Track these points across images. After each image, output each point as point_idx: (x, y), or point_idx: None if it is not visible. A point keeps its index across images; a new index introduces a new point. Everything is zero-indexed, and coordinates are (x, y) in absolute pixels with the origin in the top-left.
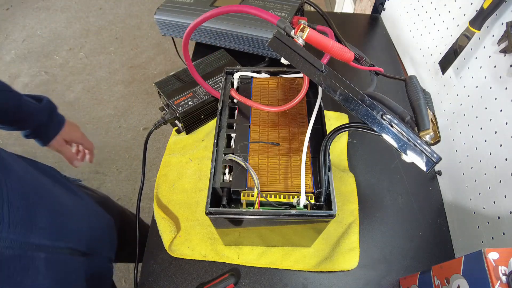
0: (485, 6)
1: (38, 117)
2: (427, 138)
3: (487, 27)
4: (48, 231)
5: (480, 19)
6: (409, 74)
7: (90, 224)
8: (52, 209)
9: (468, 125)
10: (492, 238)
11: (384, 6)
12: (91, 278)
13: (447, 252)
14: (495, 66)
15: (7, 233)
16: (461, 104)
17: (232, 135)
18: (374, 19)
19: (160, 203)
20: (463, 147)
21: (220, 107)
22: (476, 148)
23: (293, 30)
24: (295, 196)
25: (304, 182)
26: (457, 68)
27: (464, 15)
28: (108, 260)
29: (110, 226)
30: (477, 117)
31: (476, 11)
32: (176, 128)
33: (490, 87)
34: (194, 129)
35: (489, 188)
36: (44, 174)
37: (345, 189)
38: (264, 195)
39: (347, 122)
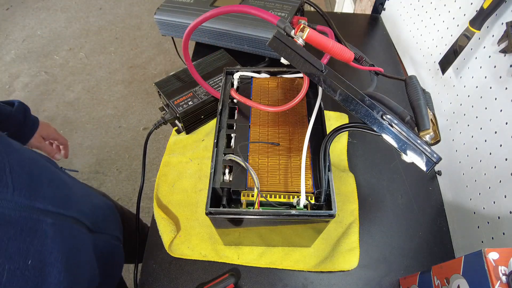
0: (485, 6)
1: (15, 119)
2: (427, 138)
3: (487, 27)
4: (51, 199)
5: (480, 19)
6: (409, 74)
7: (92, 202)
8: (54, 181)
9: (468, 125)
10: (492, 238)
11: (384, 6)
12: (101, 256)
13: (447, 252)
14: (495, 66)
15: (12, 195)
16: (461, 104)
17: (232, 135)
18: (374, 19)
19: (160, 203)
20: (463, 147)
21: (220, 107)
22: (476, 148)
23: (293, 30)
24: (295, 196)
25: (304, 182)
26: (457, 68)
27: (464, 15)
28: (116, 239)
29: (112, 208)
30: (477, 117)
31: (476, 11)
32: (176, 128)
33: (490, 87)
34: (194, 129)
35: (489, 188)
36: (41, 157)
37: (345, 189)
38: (264, 195)
39: (347, 122)
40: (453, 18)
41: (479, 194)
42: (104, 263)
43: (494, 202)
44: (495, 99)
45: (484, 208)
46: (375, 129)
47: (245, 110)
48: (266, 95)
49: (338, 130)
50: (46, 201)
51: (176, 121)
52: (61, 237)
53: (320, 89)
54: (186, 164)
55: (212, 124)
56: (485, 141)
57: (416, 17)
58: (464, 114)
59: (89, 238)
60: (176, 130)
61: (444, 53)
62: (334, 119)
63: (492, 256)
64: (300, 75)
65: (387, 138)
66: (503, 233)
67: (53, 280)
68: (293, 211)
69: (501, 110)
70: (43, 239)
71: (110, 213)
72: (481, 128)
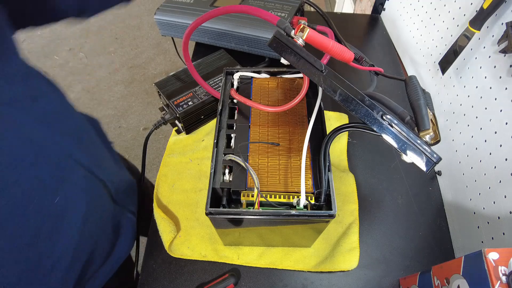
0: (485, 6)
1: None
2: (427, 138)
3: (487, 27)
4: (88, 156)
5: (480, 19)
6: (409, 74)
7: (120, 174)
8: (94, 142)
9: (468, 125)
10: (492, 238)
11: (384, 6)
12: (115, 226)
13: (447, 252)
14: (495, 66)
15: (58, 136)
16: (461, 104)
17: (232, 135)
18: (374, 19)
19: (160, 203)
20: (463, 147)
21: (220, 107)
22: (476, 148)
23: (293, 30)
24: (295, 196)
25: (304, 182)
26: (457, 68)
27: (464, 15)
28: (133, 214)
29: (134, 185)
30: (477, 117)
31: (476, 11)
32: (176, 128)
33: (490, 87)
34: (194, 129)
35: (489, 188)
36: (88, 120)
37: (345, 189)
38: (264, 195)
39: (347, 122)
40: (453, 18)
41: (479, 194)
42: (116, 234)
43: (494, 202)
44: (495, 99)
45: (484, 208)
46: (375, 129)
47: (245, 110)
48: (266, 95)
49: (338, 130)
50: (84, 156)
51: (176, 121)
52: (88, 192)
53: (320, 89)
54: (186, 164)
55: (212, 124)
56: (485, 141)
57: (416, 17)
58: (464, 114)
59: (110, 205)
60: (176, 130)
61: (444, 53)
62: (334, 119)
63: (492, 256)
64: (300, 75)
65: (387, 138)
66: (503, 233)
67: (71, 227)
68: (293, 211)
69: (501, 110)
70: (72, 186)
71: (131, 189)
72: (481, 128)
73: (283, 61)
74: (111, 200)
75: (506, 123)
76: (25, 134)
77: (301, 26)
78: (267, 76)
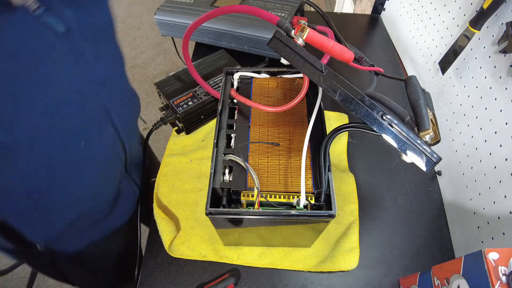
0: (485, 6)
1: None
2: (427, 138)
3: (487, 27)
4: (120, 119)
5: (480, 19)
6: (409, 74)
7: (136, 146)
8: (128, 111)
9: (468, 125)
10: (492, 238)
11: (384, 6)
12: (121, 190)
13: (447, 252)
14: (495, 66)
15: (99, 92)
16: (461, 104)
17: (232, 135)
18: (374, 19)
19: (160, 203)
20: (463, 147)
21: (220, 107)
22: (476, 148)
23: (293, 30)
24: (295, 196)
25: (304, 182)
26: (457, 68)
27: (464, 15)
28: (136, 185)
29: (140, 158)
30: (477, 117)
31: (476, 11)
32: (176, 128)
33: (490, 87)
34: (194, 129)
35: (489, 188)
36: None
37: (345, 189)
38: (264, 195)
39: (347, 122)
40: (453, 18)
41: (479, 194)
42: (118, 197)
43: (494, 202)
44: (495, 99)
45: (484, 208)
46: (375, 129)
47: (245, 110)
48: (266, 95)
49: (338, 130)
50: (118, 118)
51: (176, 121)
52: (109, 149)
53: (320, 89)
54: (186, 164)
55: (212, 124)
56: (485, 141)
57: (416, 17)
58: (464, 114)
59: (121, 168)
60: (176, 130)
61: (444, 53)
62: (334, 119)
63: (492, 256)
64: (300, 75)
65: (387, 138)
66: (503, 233)
67: (85, 175)
68: (293, 211)
69: (501, 110)
70: (99, 138)
71: (139, 162)
72: (481, 128)
73: (283, 61)
74: (123, 165)
75: (506, 123)
76: (79, 83)
77: (301, 26)
78: (267, 76)
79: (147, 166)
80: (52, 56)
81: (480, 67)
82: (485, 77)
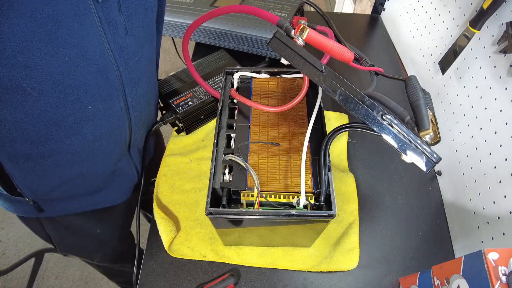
0: (485, 7)
1: None
2: (427, 138)
3: (487, 27)
4: (133, 100)
5: (480, 19)
6: (409, 74)
7: (142, 134)
8: (144, 96)
9: (468, 125)
10: (492, 238)
11: (384, 6)
12: (118, 171)
13: (447, 252)
14: (495, 66)
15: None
16: (461, 104)
17: (232, 135)
18: (374, 19)
19: (160, 203)
20: (463, 147)
21: (220, 107)
22: (476, 148)
23: (293, 30)
24: (295, 196)
25: (304, 182)
26: (457, 68)
27: (464, 15)
28: (136, 171)
29: (142, 145)
30: (477, 117)
31: (476, 11)
32: (176, 128)
33: (490, 87)
34: (194, 129)
35: (489, 188)
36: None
37: (345, 189)
38: (264, 195)
39: (347, 122)
40: (453, 18)
41: (479, 194)
42: (113, 175)
43: (494, 202)
44: (495, 99)
45: (484, 208)
46: (375, 129)
47: (245, 110)
48: (266, 95)
49: (338, 130)
50: (131, 98)
51: (176, 121)
52: (116, 118)
53: (320, 89)
54: (186, 164)
55: (212, 124)
56: (485, 141)
57: (416, 17)
58: (464, 114)
59: (124, 148)
60: (176, 130)
61: (444, 53)
62: (334, 119)
63: (492, 256)
64: (300, 75)
65: (387, 138)
66: (503, 233)
67: (85, 137)
68: (293, 211)
69: (501, 110)
70: (106, 108)
71: (141, 152)
72: (481, 128)
73: (283, 61)
74: (126, 144)
75: (506, 123)
76: (103, 49)
77: (301, 26)
78: (267, 76)
79: (149, 162)
80: (84, 21)
81: (480, 67)
82: (485, 77)
